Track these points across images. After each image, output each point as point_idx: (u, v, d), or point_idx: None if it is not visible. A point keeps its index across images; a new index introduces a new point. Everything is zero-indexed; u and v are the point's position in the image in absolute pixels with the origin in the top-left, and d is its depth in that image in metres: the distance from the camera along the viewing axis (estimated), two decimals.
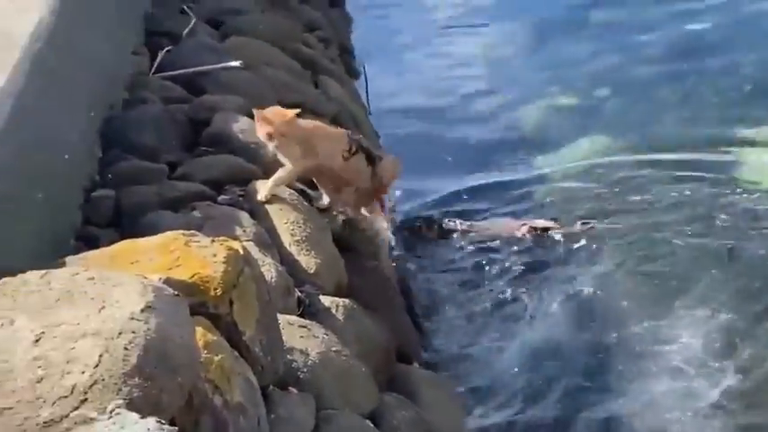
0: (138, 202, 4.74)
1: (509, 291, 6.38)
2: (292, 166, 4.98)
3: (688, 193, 7.22)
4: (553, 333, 6.00)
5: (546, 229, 6.84)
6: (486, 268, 6.63)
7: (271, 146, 4.92)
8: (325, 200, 5.28)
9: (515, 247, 6.81)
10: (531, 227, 6.83)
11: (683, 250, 6.58)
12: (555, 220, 7.00)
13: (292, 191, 5.12)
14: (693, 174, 7.46)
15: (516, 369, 5.68)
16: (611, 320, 6.02)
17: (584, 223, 6.90)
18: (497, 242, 6.88)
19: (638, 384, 5.49)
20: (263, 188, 4.92)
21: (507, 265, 6.65)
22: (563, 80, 9.32)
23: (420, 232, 6.86)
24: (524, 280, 6.50)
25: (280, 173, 4.97)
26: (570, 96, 9.08)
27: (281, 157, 5.00)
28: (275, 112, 4.94)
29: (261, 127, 4.90)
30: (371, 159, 5.24)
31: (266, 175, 5.06)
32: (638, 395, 5.42)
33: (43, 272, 2.78)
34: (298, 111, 4.99)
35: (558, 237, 6.82)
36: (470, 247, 6.85)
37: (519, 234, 6.83)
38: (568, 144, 8.22)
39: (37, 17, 4.84)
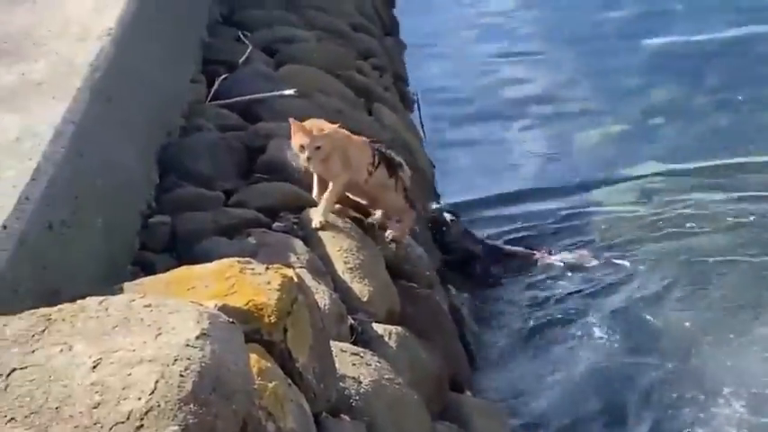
0: (194, 229, 4.79)
1: (561, 317, 6.35)
2: (334, 182, 4.93)
3: (745, 217, 7.15)
4: (609, 362, 5.96)
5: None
6: (537, 293, 6.59)
7: (303, 157, 4.82)
8: (379, 213, 5.27)
9: (567, 273, 6.77)
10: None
11: (742, 273, 6.53)
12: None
13: (346, 218, 5.13)
14: (750, 195, 7.39)
15: (570, 397, 5.62)
16: (669, 348, 5.96)
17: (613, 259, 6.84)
18: (550, 268, 6.84)
19: (704, 414, 5.41)
20: (316, 215, 4.93)
21: (558, 290, 6.62)
22: (616, 107, 9.27)
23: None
24: (576, 305, 6.46)
25: (327, 195, 4.95)
26: (623, 123, 9.03)
27: (320, 172, 4.96)
28: (313, 123, 4.88)
29: (296, 137, 4.81)
30: (393, 167, 5.14)
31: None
32: (703, 425, 5.34)
33: (101, 298, 2.82)
34: (338, 124, 4.97)
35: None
36: (519, 272, 6.83)
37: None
38: (622, 171, 8.16)
39: (98, 46, 4.94)
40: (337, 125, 4.93)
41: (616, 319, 6.30)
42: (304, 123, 4.81)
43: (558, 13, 11.73)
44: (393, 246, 5.27)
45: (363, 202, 5.23)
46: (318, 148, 4.76)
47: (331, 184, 4.94)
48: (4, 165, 3.82)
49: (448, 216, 6.75)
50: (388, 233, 5.24)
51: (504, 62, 10.75)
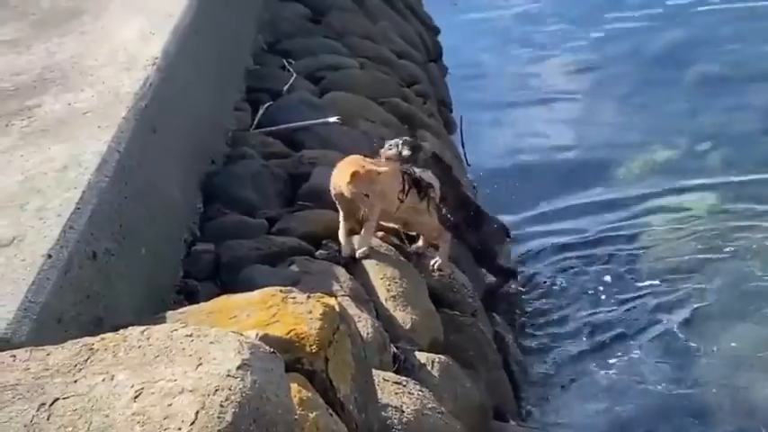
0: (237, 257, 4.81)
1: (605, 342, 6.27)
2: (371, 213, 4.91)
3: None
4: (654, 389, 5.88)
5: None
6: (581, 319, 6.53)
7: (347, 192, 4.81)
8: (443, 261, 5.26)
9: (611, 299, 6.71)
10: None
11: None
12: None
13: (389, 245, 5.12)
14: None
15: (615, 426, 5.56)
16: (716, 376, 5.87)
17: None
18: (590, 294, 6.79)
19: None
20: (359, 246, 4.92)
21: (601, 315, 6.56)
22: (663, 135, 9.18)
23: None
24: (620, 330, 6.39)
25: (367, 226, 4.93)
26: (671, 150, 8.94)
27: (357, 203, 4.93)
28: (353, 161, 4.88)
29: (339, 176, 4.82)
30: (423, 189, 5.12)
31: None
32: None
33: (143, 328, 2.83)
34: (374, 161, 4.95)
35: None
36: (560, 298, 6.78)
37: None
38: (670, 198, 8.08)
39: (143, 75, 5.00)
40: (371, 163, 4.92)
41: (662, 345, 6.22)
42: (348, 163, 4.82)
43: (601, 42, 11.65)
44: (437, 274, 5.24)
45: (395, 226, 5.21)
46: (367, 195, 4.79)
47: (368, 216, 4.92)
48: (50, 194, 3.87)
49: None
50: (433, 262, 5.22)
51: (548, 90, 10.67)
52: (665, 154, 8.89)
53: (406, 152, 5.53)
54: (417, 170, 5.20)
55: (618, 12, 12.31)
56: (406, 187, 4.97)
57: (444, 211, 5.77)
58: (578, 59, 11.24)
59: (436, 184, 5.26)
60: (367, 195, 4.78)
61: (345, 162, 4.87)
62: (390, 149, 5.55)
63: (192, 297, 4.46)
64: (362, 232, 4.95)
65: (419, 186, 5.03)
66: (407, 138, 5.82)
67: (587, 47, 11.52)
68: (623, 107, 9.94)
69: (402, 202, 4.96)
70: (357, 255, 4.88)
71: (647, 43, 11.35)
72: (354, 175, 4.76)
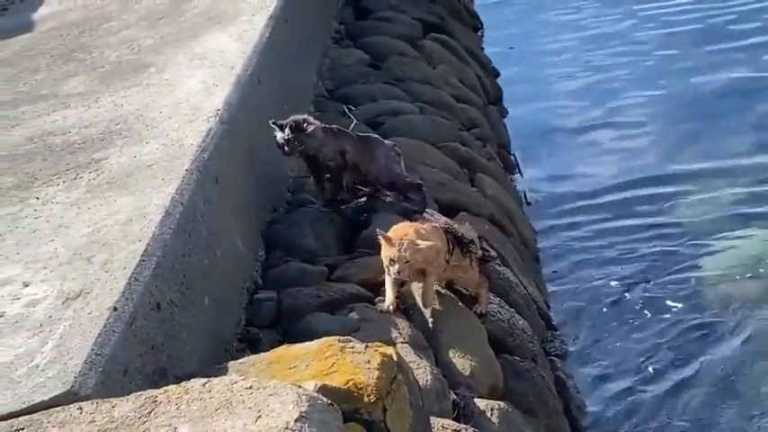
0: (298, 304, 4.88)
1: (668, 377, 6.22)
2: (427, 278, 4.90)
3: None
4: (724, 424, 5.81)
5: None
6: (643, 352, 6.49)
7: (393, 270, 4.72)
8: (484, 307, 5.28)
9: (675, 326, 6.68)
10: None
11: None
12: None
13: (449, 292, 5.16)
14: None
15: None
16: None
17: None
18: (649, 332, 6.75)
19: None
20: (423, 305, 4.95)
21: (664, 348, 6.50)
22: (726, 172, 9.09)
23: None
24: (685, 361, 6.33)
25: (426, 288, 4.93)
26: (735, 188, 8.83)
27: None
28: (401, 231, 4.82)
29: (386, 250, 4.74)
30: (464, 245, 5.09)
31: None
32: None
33: (204, 380, 2.91)
34: (418, 227, 4.90)
35: None
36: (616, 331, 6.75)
37: None
38: (733, 237, 7.98)
39: (206, 127, 5.13)
40: (419, 229, 4.89)
41: (729, 381, 6.15)
42: (393, 234, 4.78)
43: (663, 77, 11.60)
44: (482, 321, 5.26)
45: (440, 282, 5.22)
46: (408, 262, 4.70)
47: (427, 279, 4.91)
48: (116, 247, 3.98)
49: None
50: (475, 308, 5.25)
51: (608, 124, 10.63)
52: (729, 191, 8.79)
53: (282, 139, 5.56)
54: (456, 226, 5.23)
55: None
56: (451, 247, 4.97)
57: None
58: (641, 94, 11.17)
59: (475, 237, 5.29)
60: (408, 262, 4.69)
61: (393, 232, 4.84)
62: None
63: (254, 345, 4.54)
64: (424, 296, 4.95)
65: (461, 244, 5.04)
66: (289, 121, 5.64)
67: (650, 82, 11.45)
68: (686, 140, 9.84)
69: (448, 262, 4.97)
70: (380, 309, 4.85)
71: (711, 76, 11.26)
72: (391, 240, 4.72)
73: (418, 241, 4.70)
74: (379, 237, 4.73)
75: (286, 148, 5.54)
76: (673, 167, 9.34)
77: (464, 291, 5.32)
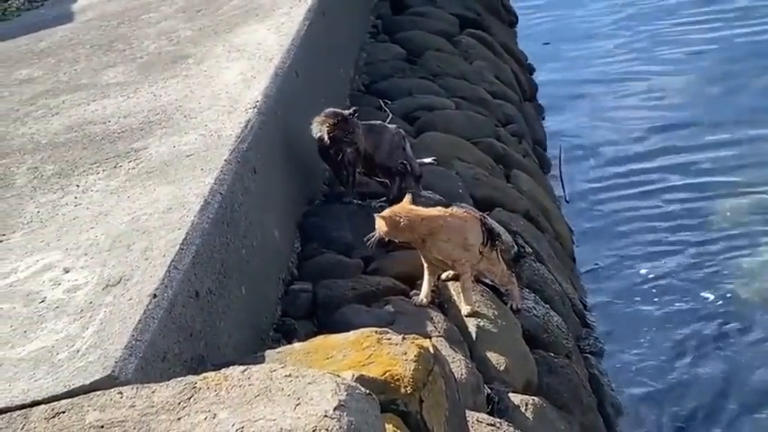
0: (333, 296, 4.89)
1: (705, 382, 6.17)
2: (461, 268, 4.86)
3: None
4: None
5: None
6: (678, 354, 6.45)
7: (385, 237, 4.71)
8: (517, 302, 5.26)
9: (709, 329, 6.62)
10: None
11: None
12: None
13: (485, 287, 5.15)
14: None
15: None
16: None
17: None
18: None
19: None
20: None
21: (696, 353, 6.46)
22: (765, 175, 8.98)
23: None
24: (722, 365, 6.29)
25: (463, 286, 4.90)
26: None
27: (435, 258, 4.86)
28: (401, 209, 4.77)
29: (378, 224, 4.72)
30: (494, 238, 5.01)
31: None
32: None
33: (244, 367, 2.92)
34: (451, 212, 4.90)
35: None
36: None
37: None
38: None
39: (245, 118, 5.15)
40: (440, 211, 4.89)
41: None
42: (391, 210, 4.75)
43: (708, 84, 11.46)
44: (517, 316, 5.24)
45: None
46: (389, 230, 4.67)
47: (462, 275, 4.88)
48: (156, 235, 4.01)
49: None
50: (509, 303, 5.23)
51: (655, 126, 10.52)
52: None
53: (324, 136, 5.51)
54: (489, 220, 5.21)
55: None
56: (486, 240, 4.92)
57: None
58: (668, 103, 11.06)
59: (503, 232, 5.26)
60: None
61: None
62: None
63: (289, 335, 4.56)
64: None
65: (492, 237, 5.01)
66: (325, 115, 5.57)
67: (682, 89, 11.34)
68: (720, 146, 9.73)
69: (482, 254, 4.94)
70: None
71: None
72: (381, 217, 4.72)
73: (401, 214, 4.68)
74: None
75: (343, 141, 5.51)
76: (713, 157, 9.25)
77: (495, 285, 5.29)
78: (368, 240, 4.75)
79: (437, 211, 4.91)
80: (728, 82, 10.87)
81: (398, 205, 4.82)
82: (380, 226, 4.68)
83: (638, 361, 6.46)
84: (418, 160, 6.27)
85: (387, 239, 4.77)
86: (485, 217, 5.13)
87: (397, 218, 4.67)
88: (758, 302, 6.98)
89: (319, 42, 7.05)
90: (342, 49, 8.13)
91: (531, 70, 11.71)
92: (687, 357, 6.46)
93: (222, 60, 6.26)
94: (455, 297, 4.98)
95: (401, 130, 6.01)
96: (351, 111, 5.61)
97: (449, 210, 4.95)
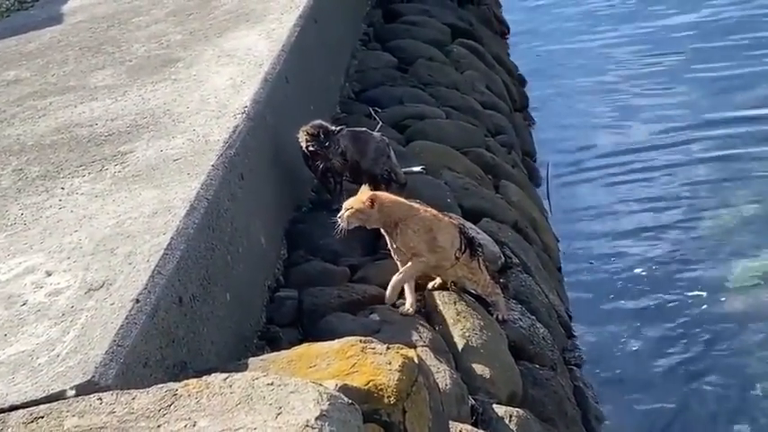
0: (319, 304, 4.86)
1: (690, 395, 6.15)
2: (414, 262, 4.79)
3: None
4: None
5: None
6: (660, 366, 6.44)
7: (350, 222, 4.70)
8: (503, 313, 5.23)
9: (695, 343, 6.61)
10: None
11: None
12: None
13: (471, 297, 5.13)
14: None
15: None
16: None
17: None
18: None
19: None
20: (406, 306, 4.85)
21: (681, 366, 6.45)
22: (751, 187, 8.98)
23: None
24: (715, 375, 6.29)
25: (405, 273, 4.82)
26: (760, 204, 8.73)
27: (400, 248, 4.82)
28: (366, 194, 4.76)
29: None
30: (474, 248, 4.97)
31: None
32: None
33: (225, 375, 2.89)
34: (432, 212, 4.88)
35: None
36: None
37: None
38: (755, 255, 7.88)
39: (233, 124, 5.12)
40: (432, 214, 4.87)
41: (752, 394, 6.08)
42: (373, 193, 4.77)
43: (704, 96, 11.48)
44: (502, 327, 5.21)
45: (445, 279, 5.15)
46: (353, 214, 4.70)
47: (410, 263, 4.82)
48: (140, 239, 3.98)
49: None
50: (495, 315, 5.20)
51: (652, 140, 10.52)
52: (753, 207, 8.67)
53: (305, 143, 5.55)
54: (468, 226, 5.18)
55: None
56: (463, 247, 4.88)
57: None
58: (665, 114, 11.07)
59: (490, 242, 5.24)
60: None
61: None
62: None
63: (274, 343, 4.53)
64: (402, 284, 4.87)
65: (472, 246, 4.98)
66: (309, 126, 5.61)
67: (675, 101, 11.35)
68: (709, 159, 9.73)
69: (458, 259, 4.89)
70: (401, 312, 4.81)
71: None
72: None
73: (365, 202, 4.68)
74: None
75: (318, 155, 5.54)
76: (704, 169, 9.26)
77: (478, 294, 5.25)
78: (335, 226, 4.72)
79: (417, 203, 4.93)
80: (726, 91, 10.87)
81: (379, 192, 4.86)
82: (354, 207, 4.69)
83: (622, 373, 6.44)
84: (406, 169, 6.26)
85: (356, 225, 4.75)
86: (463, 225, 5.09)
87: (375, 200, 4.68)
88: (747, 315, 6.97)
89: (310, 49, 7.02)
90: (333, 56, 8.11)
91: (522, 82, 11.69)
92: (672, 371, 6.44)
93: (212, 65, 6.23)
94: (441, 307, 4.95)
95: (386, 138, 6.00)
96: (337, 127, 5.63)
97: (429, 208, 4.93)
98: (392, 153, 5.91)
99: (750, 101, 10.56)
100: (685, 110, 10.76)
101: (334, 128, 5.61)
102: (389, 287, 4.86)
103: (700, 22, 13.18)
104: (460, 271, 4.97)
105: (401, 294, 4.93)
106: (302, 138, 5.53)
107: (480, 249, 5.07)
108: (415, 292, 4.96)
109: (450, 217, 5.14)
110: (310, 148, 5.53)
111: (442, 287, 5.05)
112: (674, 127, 10.31)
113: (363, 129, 6.11)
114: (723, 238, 8.09)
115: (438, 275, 5.04)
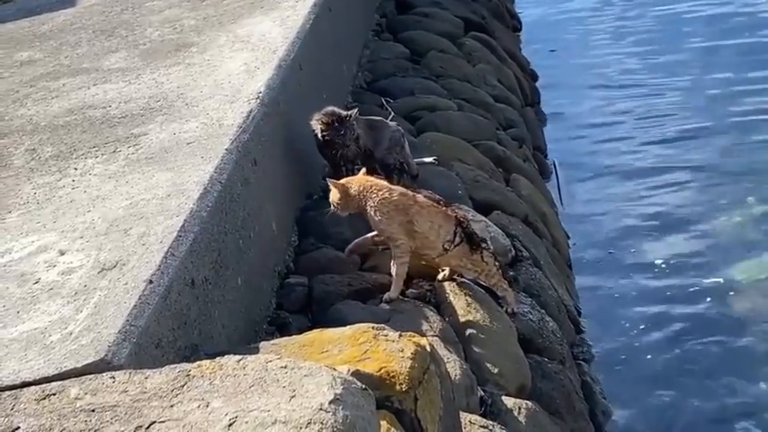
0: (329, 291, 4.85)
1: (697, 392, 6.14)
2: (395, 250, 4.73)
3: None
4: None
5: None
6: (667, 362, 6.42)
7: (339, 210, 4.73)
8: (513, 305, 5.20)
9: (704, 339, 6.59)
10: None
11: None
12: None
13: (480, 289, 5.11)
14: None
15: None
16: None
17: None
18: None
19: None
20: (390, 292, 4.77)
21: (689, 361, 6.43)
22: (763, 185, 8.95)
23: None
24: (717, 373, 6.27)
25: (396, 269, 4.74)
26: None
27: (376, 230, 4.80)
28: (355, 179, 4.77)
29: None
30: (476, 245, 4.89)
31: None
32: None
33: (239, 357, 2.88)
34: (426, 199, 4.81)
35: None
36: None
37: None
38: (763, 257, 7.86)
39: (247, 109, 5.10)
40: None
41: (759, 394, 6.08)
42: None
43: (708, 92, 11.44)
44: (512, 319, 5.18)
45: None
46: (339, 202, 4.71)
47: (396, 258, 4.74)
48: (153, 221, 3.97)
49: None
50: (505, 308, 5.17)
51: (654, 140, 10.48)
52: (762, 209, 8.64)
53: (320, 132, 5.51)
54: (471, 216, 5.13)
55: None
56: (456, 239, 4.78)
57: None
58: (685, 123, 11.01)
59: (501, 236, 5.20)
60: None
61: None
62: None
63: (283, 329, 4.52)
64: (393, 278, 4.79)
65: (472, 241, 4.90)
66: (322, 114, 5.56)
67: (686, 98, 11.32)
68: (717, 160, 9.68)
69: (447, 251, 4.80)
70: (384, 298, 4.75)
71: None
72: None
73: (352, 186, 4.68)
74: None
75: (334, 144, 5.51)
76: (715, 164, 9.24)
77: (487, 286, 5.22)
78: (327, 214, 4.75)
79: (399, 187, 4.84)
80: (742, 91, 10.84)
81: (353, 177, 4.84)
82: (332, 194, 4.71)
83: (629, 369, 6.43)
84: (418, 159, 6.24)
85: (342, 212, 4.77)
86: (465, 219, 5.02)
87: (349, 185, 4.67)
88: (758, 313, 6.95)
89: (324, 37, 7.01)
90: (346, 46, 8.10)
91: (534, 77, 11.66)
92: (680, 367, 6.43)
93: (226, 50, 6.22)
94: (451, 298, 4.93)
95: (401, 129, 5.98)
96: (350, 112, 5.58)
97: (415, 192, 4.85)
98: (407, 144, 5.89)
99: (764, 102, 10.56)
100: (699, 108, 10.75)
101: (347, 113, 5.57)
102: (393, 285, 4.78)
103: (713, 17, 13.19)
104: (453, 261, 4.91)
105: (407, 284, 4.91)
106: (317, 126, 5.50)
107: (485, 244, 5.01)
108: (425, 282, 4.96)
109: (453, 209, 5.05)
110: (326, 137, 5.50)
111: (452, 278, 5.03)
112: (688, 125, 10.30)
113: (379, 118, 6.09)
114: (735, 236, 8.06)
115: (429, 264, 4.96)
